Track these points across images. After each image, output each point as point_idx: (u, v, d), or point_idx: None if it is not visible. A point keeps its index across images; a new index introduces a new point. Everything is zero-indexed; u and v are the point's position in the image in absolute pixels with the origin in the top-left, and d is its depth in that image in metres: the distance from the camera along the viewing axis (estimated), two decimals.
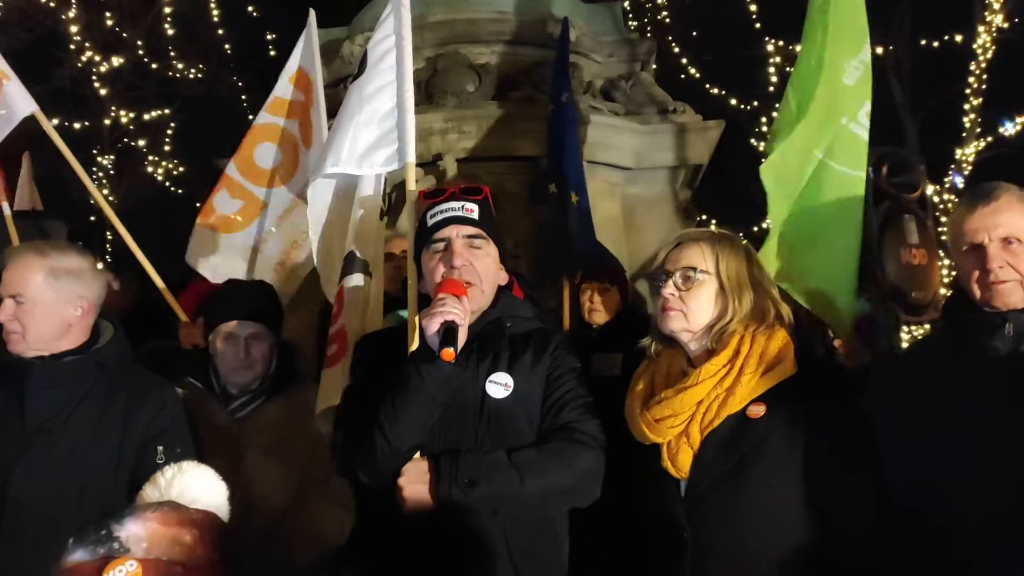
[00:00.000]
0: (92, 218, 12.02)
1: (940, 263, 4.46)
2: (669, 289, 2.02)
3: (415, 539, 1.96)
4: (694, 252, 2.03)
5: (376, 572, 2.09)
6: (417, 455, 1.99)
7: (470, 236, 2.12)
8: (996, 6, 11.36)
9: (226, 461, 2.52)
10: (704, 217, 10.79)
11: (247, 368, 2.70)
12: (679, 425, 1.97)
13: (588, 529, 2.20)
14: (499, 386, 2.04)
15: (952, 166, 12.49)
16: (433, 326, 1.90)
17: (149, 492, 1.34)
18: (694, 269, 2.01)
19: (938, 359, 2.12)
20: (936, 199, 11.59)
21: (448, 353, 1.86)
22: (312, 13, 4.38)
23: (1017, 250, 1.98)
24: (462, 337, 1.92)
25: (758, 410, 1.90)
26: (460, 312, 1.92)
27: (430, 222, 2.15)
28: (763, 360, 1.93)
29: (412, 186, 2.57)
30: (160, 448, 2.29)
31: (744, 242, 2.08)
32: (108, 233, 14.03)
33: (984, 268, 1.99)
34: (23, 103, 3.69)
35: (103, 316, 2.44)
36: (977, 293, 2.03)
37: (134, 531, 1.11)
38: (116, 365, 2.36)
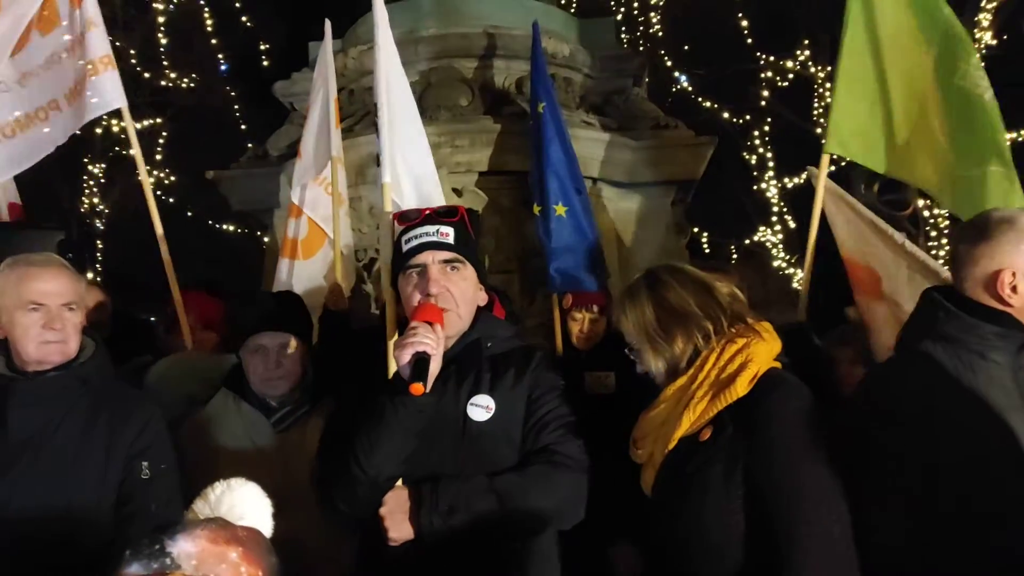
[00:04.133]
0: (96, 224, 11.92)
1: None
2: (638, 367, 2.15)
3: (398, 565, 1.96)
4: (622, 327, 2.16)
5: None
6: (399, 483, 1.98)
7: (446, 261, 2.09)
8: (985, 24, 11.47)
9: (269, 474, 2.51)
10: (696, 230, 10.81)
11: (279, 379, 2.62)
12: (648, 446, 2.03)
13: (582, 550, 2.20)
14: (481, 408, 2.03)
15: None
16: (404, 357, 1.89)
17: (200, 507, 1.38)
18: (630, 344, 2.14)
19: (932, 370, 2.09)
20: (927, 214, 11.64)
21: (417, 388, 1.83)
22: (328, 24, 4.43)
23: None
24: (435, 367, 1.91)
25: (707, 433, 1.91)
26: (432, 342, 1.89)
27: (405, 247, 2.13)
28: (716, 382, 1.94)
29: (388, 207, 2.54)
30: (145, 464, 2.27)
31: (650, 275, 2.15)
32: (99, 242, 14.02)
33: None
34: (114, 95, 3.64)
35: (84, 332, 2.40)
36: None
37: (185, 548, 1.16)
38: (99, 381, 2.34)
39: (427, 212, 2.19)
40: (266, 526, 1.38)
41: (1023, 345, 1.94)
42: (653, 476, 2.01)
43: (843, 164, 11.44)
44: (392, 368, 2.03)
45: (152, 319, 4.90)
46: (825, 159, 3.63)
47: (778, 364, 2.00)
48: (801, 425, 1.85)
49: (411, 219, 2.19)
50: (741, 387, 1.90)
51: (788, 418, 1.86)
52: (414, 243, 2.11)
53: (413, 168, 2.83)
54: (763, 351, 1.96)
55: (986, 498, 1.84)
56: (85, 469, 2.21)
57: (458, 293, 2.08)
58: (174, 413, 3.09)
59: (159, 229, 3.71)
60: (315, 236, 4.31)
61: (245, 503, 1.39)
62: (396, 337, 2.14)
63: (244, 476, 2.50)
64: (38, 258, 2.35)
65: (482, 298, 2.20)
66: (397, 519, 1.93)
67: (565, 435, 2.04)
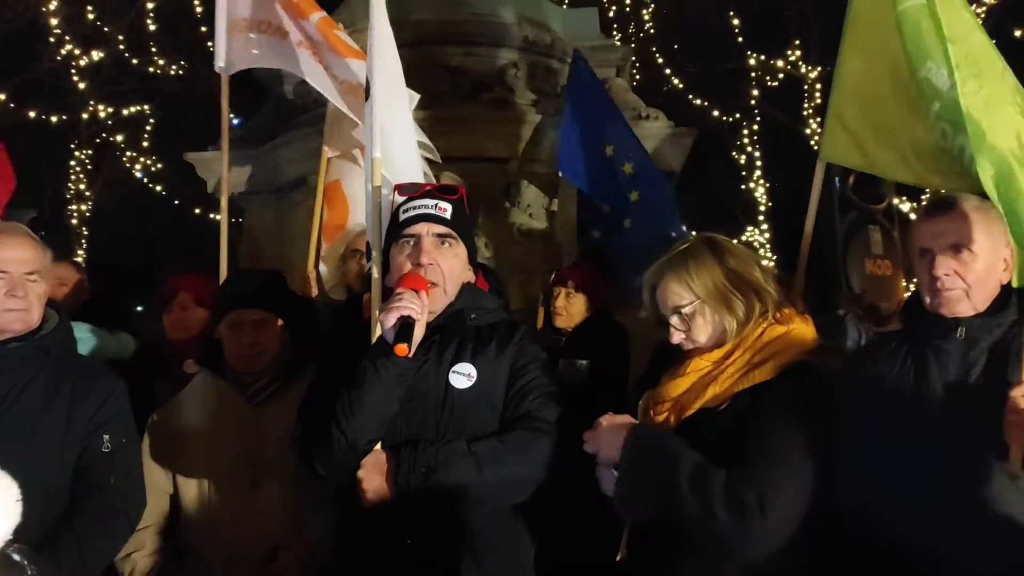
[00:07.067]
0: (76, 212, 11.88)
1: (904, 274, 4.51)
2: (677, 337, 2.04)
3: (376, 530, 1.97)
4: (672, 291, 2.03)
5: (341, 564, 2.11)
6: (377, 447, 2.00)
7: (440, 235, 2.12)
8: None
9: (244, 449, 2.54)
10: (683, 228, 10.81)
11: (254, 356, 2.59)
12: (664, 412, 2.02)
13: (556, 524, 2.20)
14: (462, 376, 2.05)
15: None
16: (389, 320, 1.92)
17: None
18: (680, 309, 2.02)
19: (892, 359, 2.12)
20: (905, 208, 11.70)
21: (402, 348, 1.88)
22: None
23: (965, 259, 1.98)
24: (419, 332, 1.94)
25: (723, 407, 1.92)
26: (417, 307, 1.93)
27: (402, 217, 2.16)
28: (749, 363, 1.94)
29: (378, 182, 2.55)
30: (107, 437, 2.27)
31: (709, 240, 2.06)
32: (84, 228, 13.94)
33: (932, 275, 2.00)
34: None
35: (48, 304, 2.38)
36: (927, 299, 2.04)
37: None
38: (60, 353, 2.32)
39: (428, 186, 2.23)
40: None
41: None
42: None
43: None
44: (376, 334, 2.05)
45: (139, 308, 4.86)
46: (820, 166, 3.59)
47: (814, 355, 1.99)
48: (798, 415, 1.84)
49: (412, 191, 2.22)
50: (769, 371, 1.90)
51: (788, 406, 1.85)
52: (411, 213, 2.13)
53: (399, 146, 2.86)
54: (802, 340, 1.95)
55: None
56: (45, 440, 2.20)
57: (447, 269, 2.11)
58: None
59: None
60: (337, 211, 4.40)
61: None
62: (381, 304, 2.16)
63: (221, 451, 2.52)
64: (3, 226, 2.34)
65: (469, 277, 2.23)
66: (375, 480, 1.95)
67: (546, 403, 2.06)
